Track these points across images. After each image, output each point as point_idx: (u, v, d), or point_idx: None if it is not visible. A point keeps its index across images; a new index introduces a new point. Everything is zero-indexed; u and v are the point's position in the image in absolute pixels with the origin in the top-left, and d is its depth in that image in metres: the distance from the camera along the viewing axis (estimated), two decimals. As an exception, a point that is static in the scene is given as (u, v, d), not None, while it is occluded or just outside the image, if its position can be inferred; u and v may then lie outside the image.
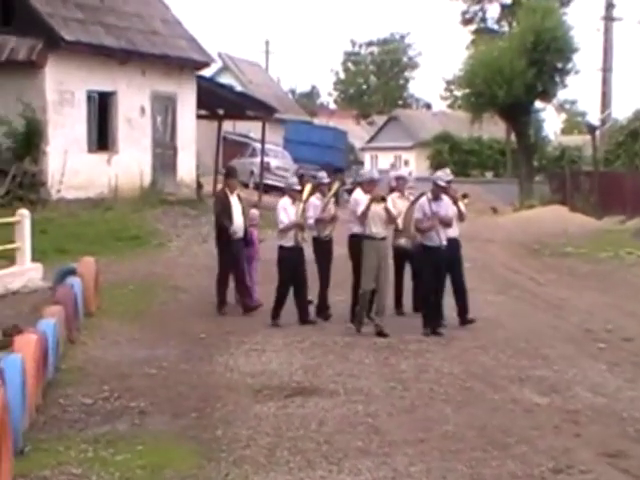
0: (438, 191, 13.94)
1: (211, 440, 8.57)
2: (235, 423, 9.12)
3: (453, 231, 14.23)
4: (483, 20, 67.29)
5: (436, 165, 56.98)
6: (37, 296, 15.36)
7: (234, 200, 15.33)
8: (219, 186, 34.45)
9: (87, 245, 19.95)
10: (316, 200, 14.77)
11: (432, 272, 13.71)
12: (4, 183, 24.02)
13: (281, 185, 39.64)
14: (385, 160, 68.71)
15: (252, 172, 39.64)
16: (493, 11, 66.87)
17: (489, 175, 59.59)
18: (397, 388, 10.62)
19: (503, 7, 65.44)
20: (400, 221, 14.24)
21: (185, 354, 12.10)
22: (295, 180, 15.57)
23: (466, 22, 68.23)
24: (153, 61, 29.13)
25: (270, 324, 14.13)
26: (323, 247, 14.92)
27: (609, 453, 8.46)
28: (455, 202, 14.17)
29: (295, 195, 14.68)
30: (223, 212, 15.20)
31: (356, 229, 14.05)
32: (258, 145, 38.41)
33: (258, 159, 37.81)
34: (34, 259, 17.73)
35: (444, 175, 14.31)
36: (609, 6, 50.22)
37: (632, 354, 12.68)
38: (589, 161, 47.92)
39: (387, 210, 13.68)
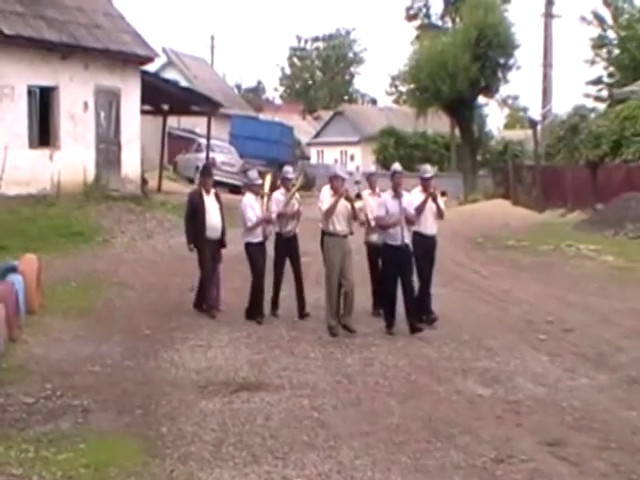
0: (423, 185, 13.98)
1: (156, 437, 8.52)
2: (180, 419, 9.08)
3: (431, 228, 14.10)
4: (427, 16, 67.70)
5: (382, 160, 57.30)
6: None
7: (209, 200, 14.85)
8: (164, 182, 34.71)
9: (29, 242, 19.71)
10: (279, 195, 14.59)
11: (393, 272, 13.43)
12: None
13: (227, 181, 40.01)
14: (331, 155, 68.98)
15: (197, 168, 39.45)
16: (437, 7, 67.36)
17: (434, 169, 60.15)
18: (343, 382, 10.65)
19: (447, 3, 65.80)
20: (372, 217, 14.05)
21: (130, 351, 11.98)
22: (256, 175, 15.02)
23: (410, 18, 68.60)
24: (96, 55, 28.78)
25: (244, 320, 14.13)
26: (286, 244, 14.66)
27: (549, 442, 8.59)
28: (435, 199, 13.91)
29: (258, 190, 14.50)
30: (192, 214, 14.91)
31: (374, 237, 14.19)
32: (203, 140, 38.35)
33: (203, 155, 37.72)
34: None
35: (429, 169, 14.36)
36: (549, 3, 50.75)
37: (572, 345, 12.86)
38: (531, 155, 48.35)
39: (353, 208, 13.56)
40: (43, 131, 27.44)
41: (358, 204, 14.01)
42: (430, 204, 13.86)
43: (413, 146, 61.67)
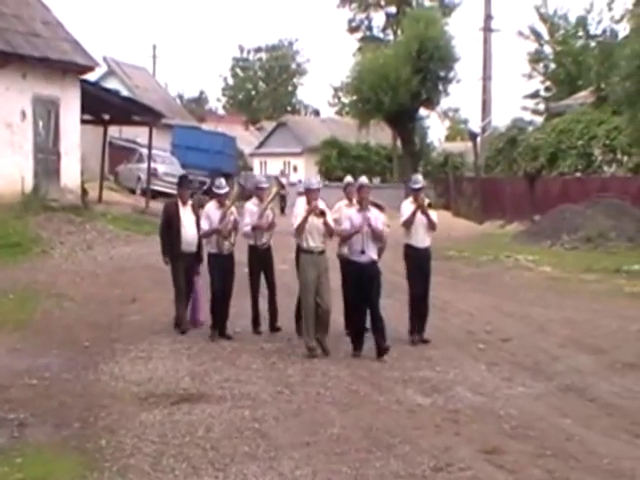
0: (413, 195, 13.76)
1: (95, 450, 8.47)
2: (120, 432, 9.02)
3: (423, 241, 13.64)
4: (369, 28, 68.00)
5: (324, 171, 57.46)
6: None
7: (185, 212, 14.38)
8: (105, 192, 34.45)
9: (-37, 253, 19.53)
10: (253, 206, 14.09)
11: (356, 290, 12.85)
12: None
13: (169, 191, 39.72)
14: (274, 166, 68.85)
15: (139, 178, 39.40)
16: (379, 20, 67.68)
17: (376, 181, 60.30)
18: (284, 392, 10.67)
19: (388, 16, 66.23)
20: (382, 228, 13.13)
21: (69, 363, 11.88)
22: (223, 183, 14.21)
23: (353, 30, 68.85)
24: (34, 64, 28.44)
25: (210, 338, 13.64)
26: (261, 257, 14.20)
27: (487, 450, 8.68)
28: (424, 211, 13.50)
29: (222, 200, 13.87)
30: (167, 226, 14.52)
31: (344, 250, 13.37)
32: (145, 151, 38.07)
33: (145, 165, 37.48)
34: None
35: (420, 180, 14.04)
36: (487, 18, 51.37)
37: (509, 354, 13.02)
38: (471, 167, 48.91)
39: (326, 224, 12.72)
40: None
41: (333, 215, 13.29)
42: (420, 216, 13.50)
43: (355, 157, 61.82)
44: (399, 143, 55.35)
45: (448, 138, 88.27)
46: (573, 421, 9.76)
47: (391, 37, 63.34)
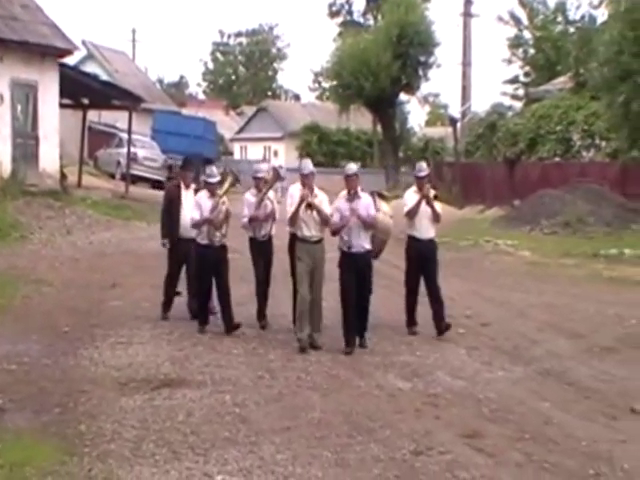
0: (417, 184, 13.15)
1: (74, 435, 8.44)
2: (100, 417, 9.00)
3: (427, 232, 13.10)
4: (349, 13, 68.08)
5: (305, 155, 57.45)
6: None
7: (187, 196, 13.92)
8: (84, 177, 34.33)
9: (-57, 238, 19.45)
10: (250, 196, 13.52)
11: (353, 282, 12.17)
12: None
13: (149, 176, 39.77)
14: (255, 151, 68.82)
15: (119, 163, 39.30)
16: (359, 4, 68.01)
17: (358, 165, 60.49)
18: (265, 377, 10.67)
19: (368, 1, 66.26)
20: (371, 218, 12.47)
21: (48, 349, 11.83)
22: (215, 172, 13.54)
23: (333, 14, 68.90)
24: (12, 47, 28.35)
25: (198, 331, 13.10)
26: (261, 249, 13.65)
27: (466, 434, 8.72)
28: (429, 201, 12.93)
29: (214, 189, 13.07)
30: (167, 210, 14.25)
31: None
32: (125, 135, 38.00)
33: (125, 149, 37.38)
34: None
35: (424, 167, 13.43)
36: (467, 3, 51.31)
37: (489, 338, 13.07)
38: (451, 152, 48.98)
39: (319, 212, 12.10)
40: None
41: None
42: (424, 206, 12.95)
43: (336, 142, 61.91)
44: (379, 128, 55.40)
45: (428, 123, 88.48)
46: (552, 405, 9.82)
47: (371, 22, 63.43)
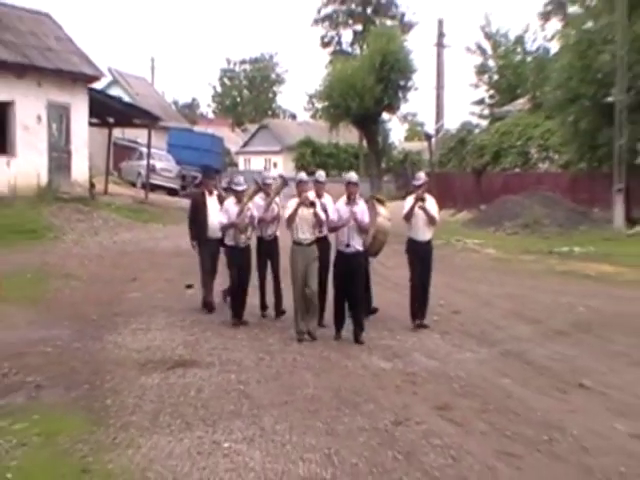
0: (415, 190, 12.57)
1: (101, 409, 8.43)
2: (123, 393, 9.00)
3: (423, 234, 12.63)
4: (339, 43, 68.03)
5: (300, 166, 57.38)
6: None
7: (211, 201, 13.71)
8: (110, 186, 34.28)
9: (-13, 238, 19.43)
10: (260, 200, 13.14)
11: (345, 279, 11.80)
12: None
13: (166, 185, 39.68)
14: (257, 162, 68.83)
15: (139, 173, 39.15)
16: (347, 36, 67.88)
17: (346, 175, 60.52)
18: (265, 359, 10.65)
19: (355, 33, 66.45)
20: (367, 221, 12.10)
21: (78, 334, 11.82)
22: (241, 180, 13.27)
23: (325, 45, 68.89)
24: (48, 74, 28.44)
25: (231, 323, 12.68)
26: (267, 246, 13.29)
27: (439, 406, 8.73)
28: (421, 205, 12.47)
29: (240, 196, 12.73)
30: (194, 214, 13.98)
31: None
32: (144, 149, 37.89)
33: (144, 162, 37.29)
34: None
35: (422, 176, 12.85)
36: (440, 35, 51.56)
37: (459, 324, 13.03)
38: (427, 163, 49.04)
39: (316, 215, 11.73)
40: (0, 141, 27.06)
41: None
42: (419, 210, 12.47)
43: (327, 155, 61.88)
44: (365, 143, 55.41)
45: (407, 138, 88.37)
46: (512, 381, 9.84)
47: (358, 51, 63.29)
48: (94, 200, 29.41)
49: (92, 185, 30.92)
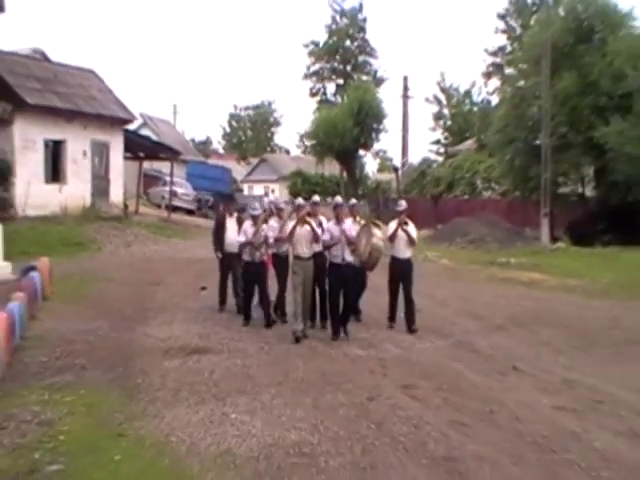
0: (398, 215, 12.27)
1: (133, 386, 8.47)
2: (150, 374, 9.01)
3: (403, 253, 12.13)
4: (324, 94, 67.94)
5: (293, 192, 57.40)
6: (7, 286, 14.77)
7: (231, 222, 13.30)
8: (140, 207, 34.22)
9: (44, 249, 19.26)
10: (274, 222, 12.41)
11: (338, 285, 11.30)
12: None
13: (184, 206, 39.59)
14: (258, 189, 68.59)
15: (163, 197, 38.93)
16: (331, 88, 67.92)
17: (329, 199, 60.46)
18: (264, 348, 10.66)
19: (337, 86, 66.56)
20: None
21: (114, 326, 11.82)
22: (257, 205, 12.79)
23: (313, 95, 68.81)
24: (92, 118, 28.51)
25: (242, 324, 12.24)
26: (281, 261, 12.51)
27: (404, 386, 8.78)
28: (403, 228, 12.13)
29: (255, 219, 12.08)
30: (216, 233, 13.53)
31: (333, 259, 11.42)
32: (168, 178, 37.81)
33: (168, 188, 37.26)
34: (5, 259, 17.03)
35: (403, 204, 12.62)
36: (405, 89, 51.89)
37: (421, 320, 12.81)
38: (395, 191, 49.16)
39: (313, 230, 11.34)
40: (54, 171, 27.17)
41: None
42: (401, 232, 12.08)
43: (314, 184, 61.58)
44: (345, 174, 55.43)
45: (378, 170, 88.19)
46: (462, 365, 9.89)
47: (339, 100, 63.26)
48: (127, 219, 29.35)
49: (126, 206, 30.84)
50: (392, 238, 12.08)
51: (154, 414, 7.46)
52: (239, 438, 6.85)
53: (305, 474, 6.10)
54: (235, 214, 13.70)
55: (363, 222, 11.77)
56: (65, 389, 8.18)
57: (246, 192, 68.53)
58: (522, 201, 32.91)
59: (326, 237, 11.37)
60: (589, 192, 33.25)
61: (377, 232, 11.50)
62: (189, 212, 39.52)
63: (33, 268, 14.01)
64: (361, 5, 66.77)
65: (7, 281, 15.79)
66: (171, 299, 14.68)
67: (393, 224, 12.28)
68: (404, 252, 12.16)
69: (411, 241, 12.14)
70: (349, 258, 11.35)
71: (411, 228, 12.26)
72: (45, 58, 31.89)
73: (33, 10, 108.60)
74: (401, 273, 12.11)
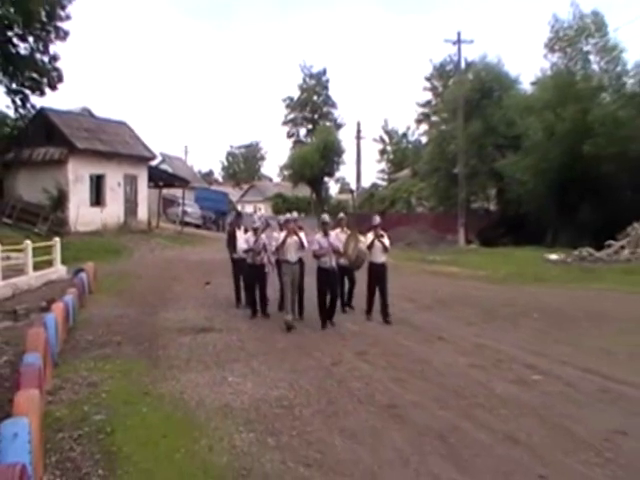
0: (373, 228, 11.37)
1: (156, 357, 8.39)
2: (168, 347, 8.94)
3: (380, 258, 11.30)
4: (298, 136, 68.23)
5: (276, 211, 57.27)
6: (63, 283, 14.60)
7: (239, 233, 12.33)
8: (160, 223, 33.92)
9: (90, 255, 19.11)
10: (276, 234, 11.58)
11: (326, 286, 10.59)
12: (47, 224, 23.75)
13: (193, 222, 39.26)
14: (249, 208, 68.09)
15: (177, 215, 38.68)
16: (303, 132, 68.22)
17: (303, 215, 60.30)
18: (254, 327, 10.55)
19: (308, 130, 66.89)
20: (341, 247, 10.84)
21: (142, 311, 11.72)
22: (257, 220, 12.18)
23: (289, 136, 69.11)
24: (125, 157, 28.55)
25: (250, 317, 11.32)
26: (290, 268, 11.09)
27: (359, 353, 8.74)
28: (380, 240, 11.26)
29: (256, 231, 11.41)
30: (229, 241, 12.72)
31: (322, 264, 10.65)
32: (180, 201, 37.68)
33: (181, 208, 37.10)
34: (62, 263, 17.28)
35: (377, 219, 11.75)
36: (358, 131, 52.05)
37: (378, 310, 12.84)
38: (352, 208, 49.34)
39: (300, 240, 10.62)
40: (97, 197, 27.29)
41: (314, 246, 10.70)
42: (377, 242, 11.24)
43: (291, 203, 61.46)
44: (314, 195, 55.57)
45: (339, 193, 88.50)
46: (401, 336, 9.88)
47: (309, 140, 63.44)
48: (151, 232, 29.30)
49: (150, 223, 30.63)
50: (370, 247, 11.24)
51: (171, 378, 7.40)
52: (235, 395, 6.81)
53: (285, 420, 6.09)
54: (243, 227, 12.71)
55: (349, 232, 11.32)
56: (106, 359, 8.11)
57: (240, 210, 68.16)
58: (444, 214, 33.26)
59: (315, 247, 10.66)
60: (493, 207, 33.83)
61: (362, 239, 11.14)
62: (197, 226, 39.29)
63: (82, 270, 14.02)
64: (325, 70, 67.79)
65: (63, 280, 15.77)
66: (184, 291, 14.56)
67: (370, 235, 11.45)
68: (380, 257, 11.40)
69: (385, 249, 11.44)
70: (334, 264, 10.66)
71: (385, 239, 11.54)
72: (90, 114, 32.17)
73: (79, 76, 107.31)
74: (378, 275, 11.38)
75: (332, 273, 10.68)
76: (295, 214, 12.13)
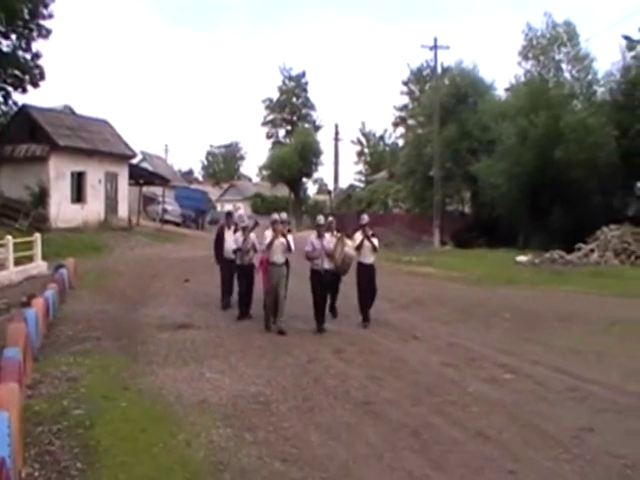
0: (361, 227, 11.03)
1: (135, 353, 8.35)
2: (147, 343, 8.89)
3: (368, 259, 10.93)
4: (277, 136, 68.10)
5: (255, 210, 57.10)
6: (44, 279, 14.35)
7: (229, 233, 11.79)
8: (141, 220, 33.57)
9: (71, 252, 18.80)
10: (269, 233, 10.57)
11: (319, 288, 10.35)
12: (28, 220, 23.29)
13: (173, 219, 38.95)
14: (228, 206, 67.58)
15: (158, 213, 38.31)
16: (282, 133, 68.12)
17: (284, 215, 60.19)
18: (232, 325, 10.48)
19: (287, 131, 66.84)
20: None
21: (122, 308, 11.61)
22: (245, 219, 11.91)
23: (269, 137, 68.90)
24: (106, 155, 28.17)
25: (237, 317, 10.95)
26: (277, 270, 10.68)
27: (335, 350, 8.80)
28: (369, 239, 10.87)
29: (245, 230, 11.07)
30: (217, 241, 12.13)
31: (314, 267, 10.41)
32: (161, 199, 37.35)
33: (161, 206, 36.76)
34: (43, 259, 17.12)
35: (365, 218, 11.27)
36: (336, 133, 52.00)
37: (348, 304, 12.10)
38: (329, 209, 49.45)
39: (287, 242, 10.21)
40: (78, 194, 26.91)
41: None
42: (366, 242, 10.85)
43: (270, 202, 61.33)
44: (292, 195, 55.51)
45: (317, 193, 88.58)
46: (378, 335, 9.95)
47: (288, 141, 63.37)
48: (131, 229, 29.00)
49: (130, 220, 30.31)
50: (359, 247, 10.83)
51: (150, 373, 7.36)
52: (213, 391, 6.80)
53: (262, 416, 6.09)
54: (233, 227, 11.93)
55: (339, 235, 10.90)
56: (86, 354, 8.03)
57: (219, 209, 67.84)
58: (420, 216, 33.46)
59: (309, 248, 10.37)
60: (467, 209, 34.15)
61: (349, 242, 10.75)
62: (177, 224, 38.96)
63: (62, 266, 13.89)
64: (304, 72, 67.72)
65: (44, 275, 15.59)
66: (164, 288, 14.42)
67: (358, 235, 11.01)
68: (368, 258, 10.96)
69: (374, 249, 10.99)
70: (327, 265, 10.37)
71: (374, 239, 11.09)
72: (72, 112, 31.83)
73: (61, 74, 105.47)
74: (366, 277, 10.91)
75: (325, 275, 10.34)
76: (284, 215, 11.26)
